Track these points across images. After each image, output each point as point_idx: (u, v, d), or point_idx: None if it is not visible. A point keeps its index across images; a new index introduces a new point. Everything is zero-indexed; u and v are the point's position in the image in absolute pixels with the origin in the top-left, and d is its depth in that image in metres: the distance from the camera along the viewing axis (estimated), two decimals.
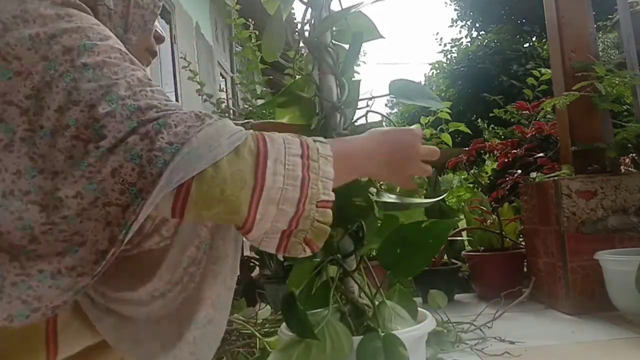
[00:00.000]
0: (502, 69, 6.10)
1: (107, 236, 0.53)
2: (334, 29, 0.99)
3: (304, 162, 0.60)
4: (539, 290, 2.19)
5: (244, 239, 0.62)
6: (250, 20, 2.84)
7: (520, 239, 2.62)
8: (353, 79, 1.00)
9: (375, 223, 0.90)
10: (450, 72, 6.79)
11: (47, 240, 0.53)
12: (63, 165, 0.53)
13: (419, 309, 0.98)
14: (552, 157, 2.56)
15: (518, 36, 7.44)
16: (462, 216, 3.00)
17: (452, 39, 8.40)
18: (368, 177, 0.89)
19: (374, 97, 0.98)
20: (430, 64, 7.67)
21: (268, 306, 2.03)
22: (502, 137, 3.83)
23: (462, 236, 2.70)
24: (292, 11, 1.02)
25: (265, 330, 1.61)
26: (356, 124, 0.96)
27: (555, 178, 2.10)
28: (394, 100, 14.57)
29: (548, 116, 3.00)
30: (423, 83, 9.39)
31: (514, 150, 2.71)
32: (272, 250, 0.62)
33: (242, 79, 2.86)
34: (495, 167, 3.44)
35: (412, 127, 0.80)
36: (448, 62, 7.22)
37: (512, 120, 3.19)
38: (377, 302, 0.89)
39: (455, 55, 7.27)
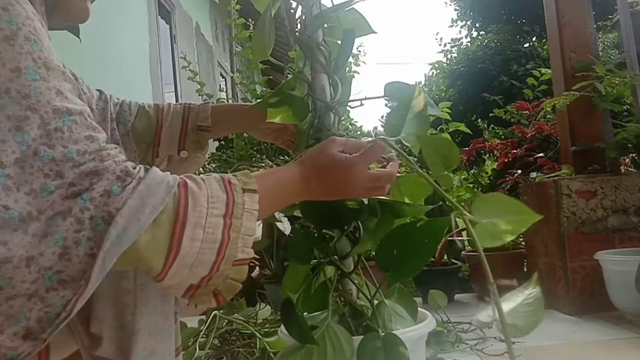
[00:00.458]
0: (502, 69, 6.10)
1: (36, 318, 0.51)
2: (326, 25, 0.98)
3: (226, 221, 0.58)
4: None
5: None
6: (250, 20, 2.84)
7: (520, 239, 2.62)
8: (347, 75, 0.99)
9: (371, 224, 0.90)
10: (450, 72, 6.78)
11: None
12: None
13: (419, 309, 0.98)
14: (552, 157, 2.56)
15: (518, 36, 7.44)
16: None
17: (452, 39, 8.41)
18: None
19: (367, 98, 0.98)
20: (430, 64, 7.68)
21: (268, 306, 2.03)
22: (502, 137, 3.83)
23: (462, 236, 2.70)
24: (291, 10, 1.01)
25: (265, 330, 1.61)
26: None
27: (555, 178, 2.10)
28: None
29: (548, 116, 3.00)
30: (423, 83, 9.40)
31: (514, 150, 2.71)
32: (177, 296, 0.60)
33: (242, 79, 2.86)
34: (495, 167, 3.44)
35: (370, 142, 0.75)
36: (448, 62, 7.22)
37: (512, 120, 3.19)
38: (375, 302, 0.89)
39: (455, 55, 7.26)
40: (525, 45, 6.77)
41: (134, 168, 0.55)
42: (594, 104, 2.13)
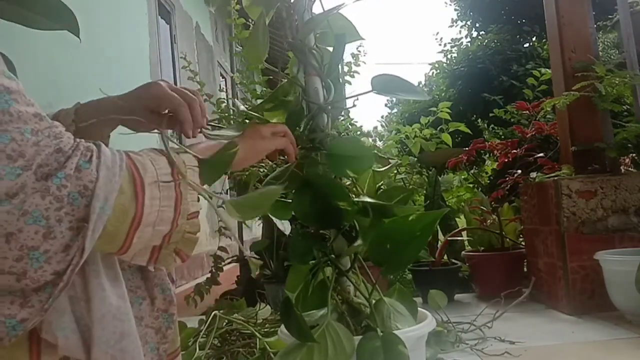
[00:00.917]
0: (502, 69, 6.09)
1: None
2: (317, 32, 1.01)
3: (174, 178, 0.62)
4: (539, 290, 2.19)
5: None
6: (250, 20, 2.84)
7: (520, 239, 2.62)
8: (341, 76, 1.02)
9: (365, 223, 0.92)
10: (450, 72, 6.77)
11: None
12: None
13: (419, 309, 0.98)
14: (552, 157, 2.56)
15: (518, 36, 7.43)
16: (462, 216, 3.00)
17: (452, 39, 8.39)
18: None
19: (358, 95, 1.00)
20: (430, 64, 7.66)
21: (268, 306, 2.03)
22: (502, 137, 3.84)
23: (462, 236, 2.70)
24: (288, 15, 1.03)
25: (265, 330, 1.61)
26: None
27: (555, 178, 2.10)
28: (394, 100, 14.58)
29: (548, 116, 3.00)
30: (423, 83, 9.40)
31: (514, 150, 2.71)
32: (142, 264, 0.63)
33: (242, 79, 2.85)
34: (495, 167, 3.44)
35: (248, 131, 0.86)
36: (448, 62, 7.20)
37: (512, 120, 3.19)
38: (374, 301, 0.89)
39: (455, 55, 7.25)
40: (525, 45, 6.75)
41: (87, 142, 0.57)
42: (594, 104, 2.13)
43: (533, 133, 2.77)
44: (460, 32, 9.22)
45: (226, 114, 2.57)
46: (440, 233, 2.79)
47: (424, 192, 3.05)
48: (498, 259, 2.44)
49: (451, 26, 9.52)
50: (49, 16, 1.09)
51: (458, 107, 5.78)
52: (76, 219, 0.52)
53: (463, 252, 2.61)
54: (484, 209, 2.69)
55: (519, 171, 2.61)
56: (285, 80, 0.98)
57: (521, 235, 2.61)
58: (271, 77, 2.87)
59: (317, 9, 1.02)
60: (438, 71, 7.41)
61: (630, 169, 2.49)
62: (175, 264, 0.66)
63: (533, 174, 2.38)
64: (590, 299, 1.97)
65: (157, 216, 0.59)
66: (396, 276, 2.67)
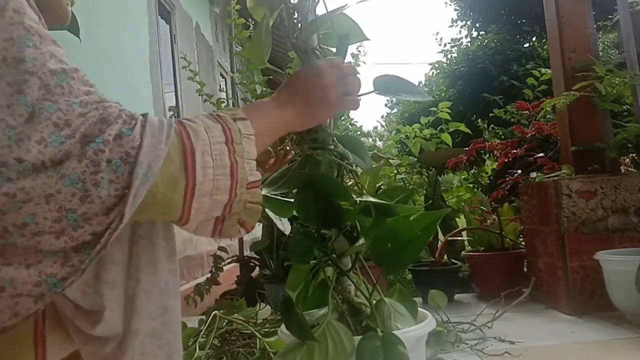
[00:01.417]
0: (502, 69, 6.08)
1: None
2: (321, 32, 1.00)
3: (229, 147, 0.61)
4: (539, 290, 2.19)
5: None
6: (250, 20, 2.83)
7: (520, 239, 2.62)
8: None
9: (366, 223, 0.92)
10: (450, 72, 6.77)
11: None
12: None
13: (419, 309, 0.98)
14: (552, 157, 2.56)
15: (518, 36, 7.43)
16: (462, 216, 3.00)
17: (452, 39, 8.40)
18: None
19: (359, 95, 0.99)
20: (430, 64, 7.67)
21: (268, 306, 2.03)
22: (502, 137, 3.84)
23: (462, 236, 2.71)
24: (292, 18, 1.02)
25: (265, 330, 1.61)
26: None
27: (555, 178, 2.10)
28: (394, 100, 14.58)
29: (548, 116, 3.00)
30: (423, 83, 9.40)
31: (514, 150, 2.71)
32: (207, 236, 0.63)
33: (242, 79, 2.85)
34: (495, 167, 3.44)
35: (325, 62, 0.80)
36: (448, 62, 7.20)
37: (512, 120, 3.20)
38: (374, 301, 0.90)
39: (455, 55, 7.25)
40: (525, 45, 6.75)
41: (132, 112, 0.57)
42: (594, 104, 2.13)
43: (533, 133, 2.77)
44: (460, 32, 9.23)
45: None
46: (440, 233, 2.79)
47: (424, 192, 3.05)
48: (498, 259, 2.44)
49: (451, 26, 9.53)
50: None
51: (458, 107, 5.77)
52: (122, 186, 0.53)
53: (463, 252, 2.61)
54: (484, 209, 2.69)
55: (519, 171, 2.61)
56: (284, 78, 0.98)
57: (521, 235, 2.61)
58: (271, 77, 2.87)
59: (320, 9, 1.01)
60: (438, 71, 7.41)
61: (630, 169, 2.49)
62: (240, 235, 0.65)
63: (533, 174, 2.38)
64: (590, 299, 1.97)
65: (213, 185, 0.58)
66: (396, 276, 2.67)
